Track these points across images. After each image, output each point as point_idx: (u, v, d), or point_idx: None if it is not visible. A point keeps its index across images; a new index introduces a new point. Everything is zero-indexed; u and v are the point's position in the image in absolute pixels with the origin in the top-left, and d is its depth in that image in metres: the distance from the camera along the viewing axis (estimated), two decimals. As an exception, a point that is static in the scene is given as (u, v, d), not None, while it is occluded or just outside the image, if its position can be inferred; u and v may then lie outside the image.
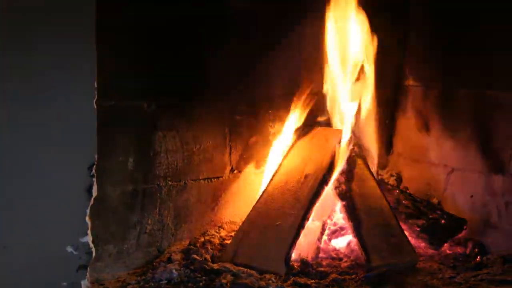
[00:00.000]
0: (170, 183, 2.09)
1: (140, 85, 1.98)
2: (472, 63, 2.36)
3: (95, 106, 1.77)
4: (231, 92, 2.22)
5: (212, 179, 2.23)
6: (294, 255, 2.03)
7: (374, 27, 2.41)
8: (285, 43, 2.31)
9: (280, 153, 2.33)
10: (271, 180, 2.21)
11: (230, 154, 2.27)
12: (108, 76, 1.83)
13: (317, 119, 2.39)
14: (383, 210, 2.21)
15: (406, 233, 2.19)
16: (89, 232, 1.80)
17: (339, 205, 2.22)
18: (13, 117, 1.65)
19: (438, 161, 2.53)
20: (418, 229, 2.25)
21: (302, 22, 2.31)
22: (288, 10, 2.29)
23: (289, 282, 1.88)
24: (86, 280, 1.81)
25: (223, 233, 2.23)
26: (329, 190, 2.22)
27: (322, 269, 2.01)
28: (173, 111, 2.08)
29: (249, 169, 2.34)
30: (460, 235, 2.30)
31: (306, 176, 2.16)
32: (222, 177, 2.26)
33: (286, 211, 2.08)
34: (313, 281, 1.91)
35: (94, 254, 1.82)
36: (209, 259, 2.01)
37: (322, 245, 2.17)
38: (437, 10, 2.51)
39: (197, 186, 2.18)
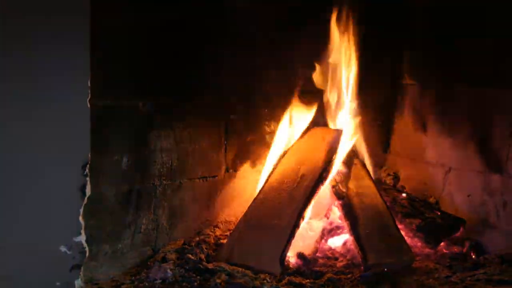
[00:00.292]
0: (165, 182, 2.08)
1: (136, 84, 1.98)
2: (470, 62, 2.35)
3: (89, 105, 1.78)
4: (226, 91, 2.21)
5: (208, 179, 2.22)
6: (291, 254, 2.03)
7: (372, 26, 2.41)
8: (281, 42, 2.30)
9: (276, 152, 2.32)
10: (267, 179, 2.20)
11: (225, 153, 2.26)
12: (104, 75, 1.84)
13: (314, 118, 2.38)
14: (380, 209, 2.20)
15: (403, 232, 2.19)
16: (82, 231, 1.80)
17: (336, 204, 2.22)
18: (4, 117, 1.65)
19: (435, 160, 2.52)
20: (415, 228, 2.24)
21: (299, 22, 2.30)
22: (286, 9, 2.28)
23: (284, 281, 1.87)
24: (79, 279, 1.81)
25: (218, 232, 2.22)
26: (326, 189, 2.21)
27: (317, 268, 2.01)
28: (168, 110, 2.07)
29: (245, 169, 2.33)
30: (457, 235, 2.29)
31: (302, 176, 2.15)
32: (217, 176, 2.25)
33: (282, 210, 2.07)
34: (308, 280, 1.90)
35: (88, 253, 1.82)
36: (204, 259, 2.00)
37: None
38: (435, 8, 2.50)
39: (192, 186, 2.17)
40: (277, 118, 2.35)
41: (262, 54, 2.26)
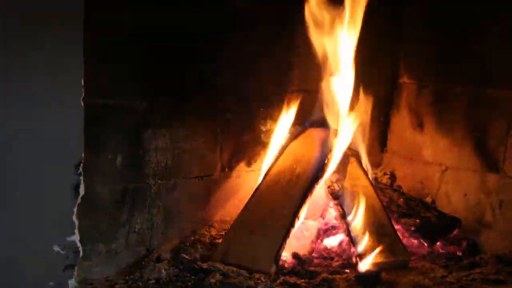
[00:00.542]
0: (160, 181, 2.07)
1: (131, 83, 1.97)
2: (468, 61, 2.34)
3: (82, 104, 1.77)
4: (222, 90, 2.20)
5: (203, 178, 2.20)
6: (286, 254, 2.02)
7: (369, 25, 2.39)
8: (277, 41, 2.29)
9: (272, 152, 2.31)
10: (263, 179, 2.19)
11: (221, 152, 2.25)
12: (98, 73, 1.83)
13: (310, 118, 2.37)
14: (376, 209, 2.19)
15: (399, 232, 2.18)
16: (76, 231, 1.79)
17: (331, 204, 2.21)
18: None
19: (432, 159, 2.52)
20: (411, 228, 2.23)
21: (295, 20, 2.29)
22: (282, 8, 2.27)
23: (278, 281, 1.86)
24: (73, 279, 1.81)
25: (213, 232, 2.21)
26: (321, 189, 2.20)
27: (312, 268, 2.00)
28: (163, 109, 2.06)
29: (241, 168, 2.32)
30: (453, 234, 2.28)
31: (298, 176, 2.15)
32: (213, 175, 2.24)
33: (277, 210, 2.06)
34: (303, 280, 1.89)
35: (81, 253, 1.81)
36: (199, 259, 1.99)
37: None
38: (432, 7, 2.49)
39: (187, 185, 2.16)
40: (273, 118, 2.34)
41: (256, 52, 2.24)
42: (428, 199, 2.50)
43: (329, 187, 2.22)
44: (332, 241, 2.20)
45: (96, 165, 1.89)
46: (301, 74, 2.38)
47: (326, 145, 2.23)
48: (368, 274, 1.97)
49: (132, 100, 1.98)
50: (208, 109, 2.19)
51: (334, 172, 2.25)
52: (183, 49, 2.06)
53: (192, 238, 2.13)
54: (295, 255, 2.03)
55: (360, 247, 2.05)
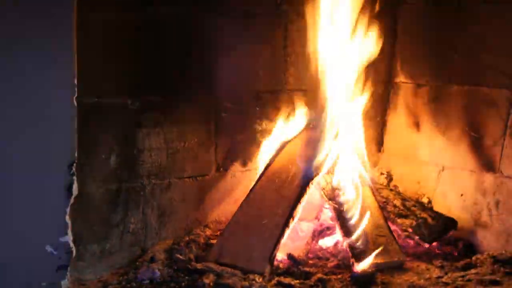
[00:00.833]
0: (154, 181, 2.06)
1: (124, 81, 1.96)
2: (464, 60, 2.34)
3: (75, 103, 1.76)
4: (217, 88, 2.18)
5: (197, 178, 2.20)
6: (281, 255, 2.01)
7: (365, 24, 2.38)
8: (271, 39, 2.28)
9: (267, 151, 2.30)
10: (258, 179, 2.18)
11: (216, 152, 2.24)
12: (91, 72, 1.81)
13: (305, 117, 2.36)
14: (372, 209, 2.18)
15: (395, 233, 2.17)
16: (69, 231, 1.78)
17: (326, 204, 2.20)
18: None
19: (429, 159, 2.51)
20: (407, 228, 2.22)
21: (288, 18, 2.28)
22: (275, 5, 2.26)
23: (272, 282, 1.86)
24: (66, 280, 1.79)
25: (208, 232, 2.20)
26: (316, 190, 2.19)
27: (307, 269, 1.99)
28: (157, 108, 2.05)
29: (236, 168, 2.31)
30: (449, 234, 2.27)
31: (293, 176, 2.14)
32: (207, 175, 2.23)
33: (272, 210, 2.05)
34: (297, 281, 1.88)
35: (74, 253, 1.80)
36: (193, 259, 1.98)
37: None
38: (428, 6, 2.48)
39: (181, 185, 2.15)
40: (268, 117, 2.33)
41: (250, 51, 2.23)
42: (425, 199, 2.49)
43: (323, 188, 2.21)
44: (327, 242, 2.20)
45: (90, 165, 1.88)
46: (296, 73, 2.36)
47: (322, 145, 2.22)
48: (363, 275, 1.96)
49: (125, 100, 1.97)
50: (203, 108, 2.18)
51: (329, 172, 2.24)
52: (177, 48, 2.05)
53: (187, 238, 2.12)
54: (290, 256, 2.02)
55: (356, 248, 2.04)
